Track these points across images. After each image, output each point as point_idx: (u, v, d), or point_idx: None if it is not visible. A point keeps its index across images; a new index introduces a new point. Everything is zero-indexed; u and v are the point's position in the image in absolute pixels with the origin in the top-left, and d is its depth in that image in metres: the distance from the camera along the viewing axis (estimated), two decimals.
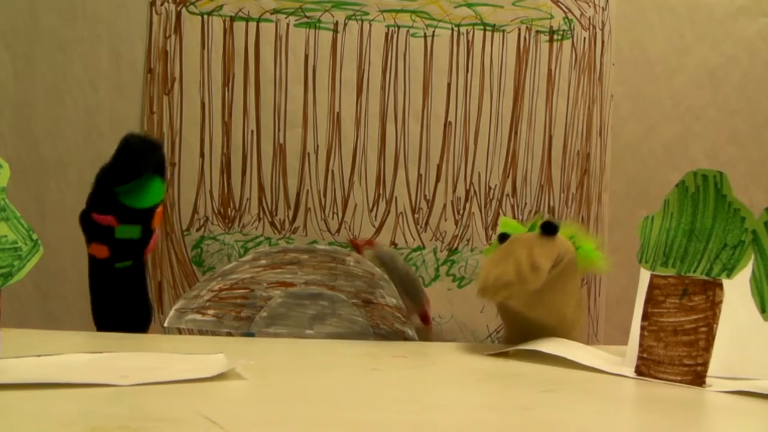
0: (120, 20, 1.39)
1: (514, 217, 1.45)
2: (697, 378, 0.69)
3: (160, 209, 0.98)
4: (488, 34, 1.46)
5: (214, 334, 0.89)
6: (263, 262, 0.90)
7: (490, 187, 1.46)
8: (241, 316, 0.89)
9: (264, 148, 1.41)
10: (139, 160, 0.93)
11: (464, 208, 1.45)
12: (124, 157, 0.93)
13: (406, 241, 1.44)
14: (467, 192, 1.45)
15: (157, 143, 0.99)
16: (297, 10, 1.42)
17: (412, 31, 1.45)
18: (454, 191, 1.45)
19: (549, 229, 0.84)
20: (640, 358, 0.73)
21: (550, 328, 0.87)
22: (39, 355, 0.67)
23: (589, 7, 1.48)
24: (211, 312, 0.88)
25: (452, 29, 1.45)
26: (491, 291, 0.81)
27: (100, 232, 0.93)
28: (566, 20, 1.47)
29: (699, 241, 0.70)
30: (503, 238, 0.87)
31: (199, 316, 0.88)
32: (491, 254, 0.87)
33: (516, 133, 1.47)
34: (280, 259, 0.90)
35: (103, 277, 0.94)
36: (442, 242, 1.43)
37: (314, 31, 1.43)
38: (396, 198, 1.44)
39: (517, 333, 0.90)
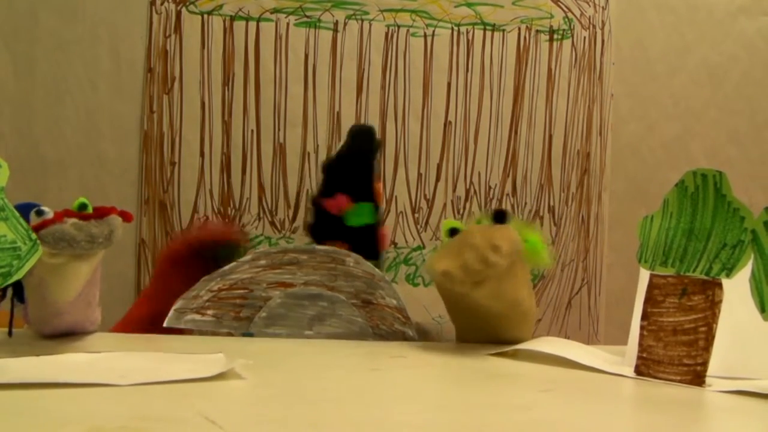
0: (120, 20, 1.39)
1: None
2: (697, 378, 0.69)
3: (378, 184, 0.99)
4: (488, 33, 1.46)
5: (213, 334, 0.89)
6: (263, 262, 0.90)
7: (490, 187, 1.46)
8: (241, 316, 0.89)
9: (264, 148, 1.42)
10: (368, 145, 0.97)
11: (464, 208, 1.45)
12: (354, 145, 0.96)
13: (406, 241, 1.44)
14: (467, 191, 1.46)
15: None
16: (297, 9, 1.42)
17: (412, 30, 1.45)
18: (454, 190, 1.45)
19: (500, 217, 0.86)
20: (639, 357, 0.73)
21: (504, 316, 0.87)
22: (39, 355, 0.67)
23: (589, 6, 1.48)
24: (210, 312, 0.88)
25: (452, 29, 1.45)
26: (458, 280, 0.79)
27: (332, 228, 0.93)
28: (566, 20, 1.47)
29: (698, 241, 0.70)
30: (454, 232, 0.87)
31: (198, 317, 0.88)
32: (444, 246, 0.86)
33: (516, 133, 1.47)
34: (279, 260, 0.90)
35: None
36: (442, 242, 1.43)
37: (314, 31, 1.43)
38: (396, 197, 1.44)
39: (471, 327, 0.89)
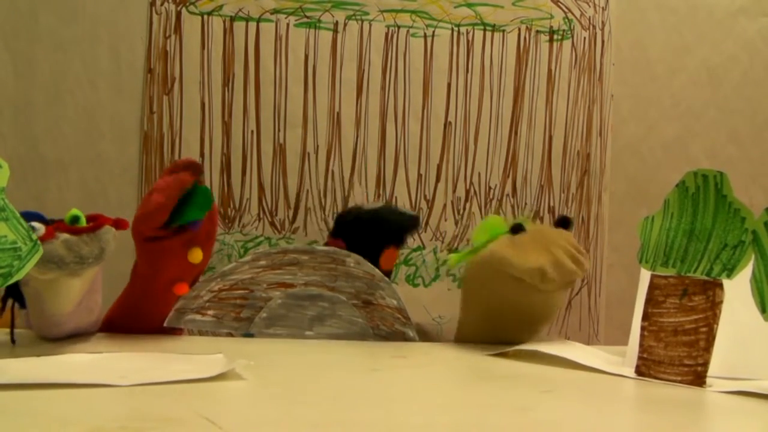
0: (120, 20, 1.39)
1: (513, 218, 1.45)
2: (698, 378, 0.69)
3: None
4: (488, 34, 1.46)
5: (213, 334, 0.89)
6: (263, 262, 0.90)
7: (490, 187, 1.46)
8: (241, 316, 0.89)
9: (264, 148, 1.41)
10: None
11: (464, 208, 1.45)
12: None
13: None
14: (467, 192, 1.45)
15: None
16: (297, 10, 1.42)
17: (412, 31, 1.45)
18: (454, 191, 1.45)
19: (566, 223, 0.89)
20: (640, 358, 0.73)
21: (546, 319, 0.89)
22: (39, 355, 0.67)
23: (589, 7, 1.48)
24: (210, 312, 0.88)
25: (452, 29, 1.45)
26: (552, 278, 0.81)
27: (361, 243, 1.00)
28: (566, 20, 1.47)
29: (699, 241, 0.70)
30: (518, 229, 0.88)
31: (198, 317, 0.88)
32: (512, 242, 0.86)
33: (516, 133, 1.47)
34: (279, 260, 0.90)
35: None
36: (442, 242, 1.43)
37: (314, 31, 1.43)
38: (396, 198, 1.44)
39: (492, 327, 0.90)
